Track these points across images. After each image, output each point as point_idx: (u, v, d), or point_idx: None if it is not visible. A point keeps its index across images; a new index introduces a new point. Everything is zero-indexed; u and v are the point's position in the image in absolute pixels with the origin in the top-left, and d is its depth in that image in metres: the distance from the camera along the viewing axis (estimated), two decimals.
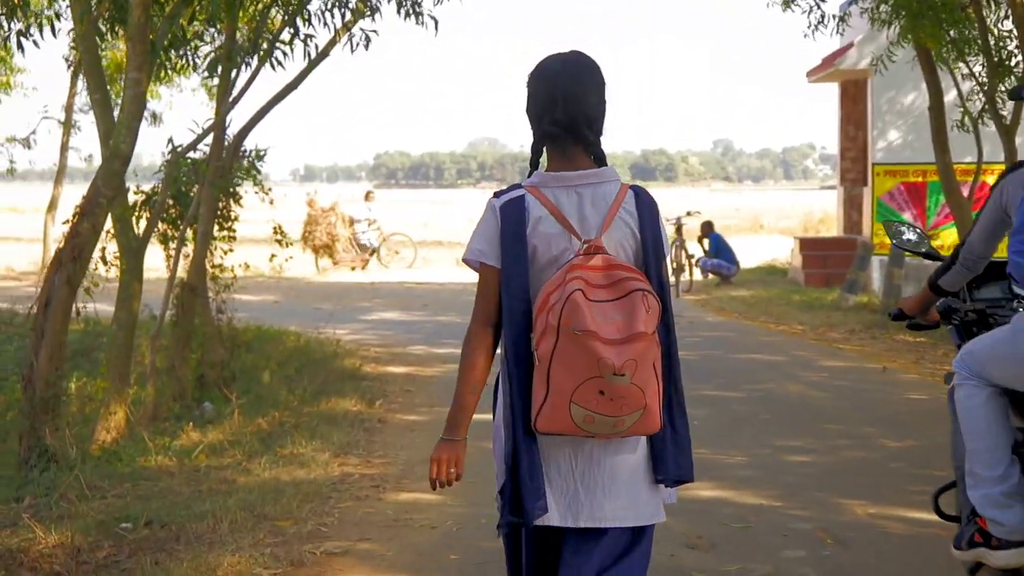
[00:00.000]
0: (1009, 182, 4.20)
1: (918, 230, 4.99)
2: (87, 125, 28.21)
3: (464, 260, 3.41)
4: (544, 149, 3.41)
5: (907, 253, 5.13)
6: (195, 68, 11.37)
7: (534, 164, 3.43)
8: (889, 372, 11.31)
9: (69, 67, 21.66)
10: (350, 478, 7.27)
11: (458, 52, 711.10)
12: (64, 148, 23.51)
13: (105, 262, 9.81)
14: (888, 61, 14.73)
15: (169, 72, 12.05)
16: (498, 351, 3.39)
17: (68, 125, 23.18)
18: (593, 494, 3.26)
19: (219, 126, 10.53)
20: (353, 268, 27.06)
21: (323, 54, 11.56)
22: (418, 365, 12.16)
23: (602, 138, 3.40)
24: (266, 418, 8.96)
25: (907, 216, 19.34)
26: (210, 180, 10.34)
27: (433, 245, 31.68)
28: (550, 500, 3.24)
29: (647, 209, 3.34)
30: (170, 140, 9.71)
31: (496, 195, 3.38)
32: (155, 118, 23.91)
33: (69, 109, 23.73)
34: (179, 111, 29.06)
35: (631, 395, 3.07)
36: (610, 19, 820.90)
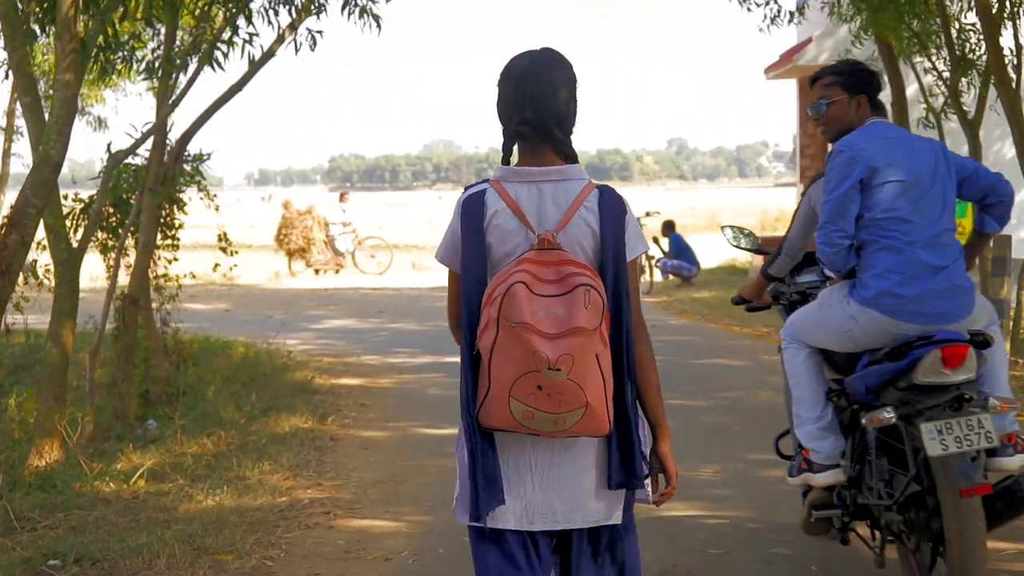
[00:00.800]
0: (814, 188, 5.24)
1: (747, 232, 6.34)
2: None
3: (436, 259, 3.40)
4: (514, 148, 3.37)
5: (746, 249, 6.34)
6: (134, 71, 10.84)
7: (505, 163, 3.36)
8: None
9: (6, 73, 21.06)
10: (299, 504, 6.81)
11: (413, 55, 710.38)
12: (7, 154, 22.79)
13: (36, 275, 9.29)
14: (849, 56, 14.38)
15: (111, 75, 11.49)
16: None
17: (10, 131, 22.46)
18: (548, 496, 3.23)
19: (160, 130, 10.03)
20: (326, 272, 26.57)
21: (268, 54, 11.08)
22: (372, 376, 11.69)
23: (572, 136, 3.34)
24: (211, 438, 8.47)
25: None
26: (150, 187, 9.85)
27: (387, 249, 31.14)
28: (508, 503, 3.22)
29: (610, 208, 3.26)
30: (108, 146, 9.19)
31: (466, 189, 3.37)
32: (100, 123, 23.27)
33: (11, 114, 22.96)
34: (127, 115, 28.44)
35: (569, 391, 3.02)
36: (568, 22, 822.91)
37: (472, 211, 3.26)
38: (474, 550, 3.34)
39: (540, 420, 3.05)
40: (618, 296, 3.21)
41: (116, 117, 24.30)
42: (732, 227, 6.39)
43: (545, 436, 3.15)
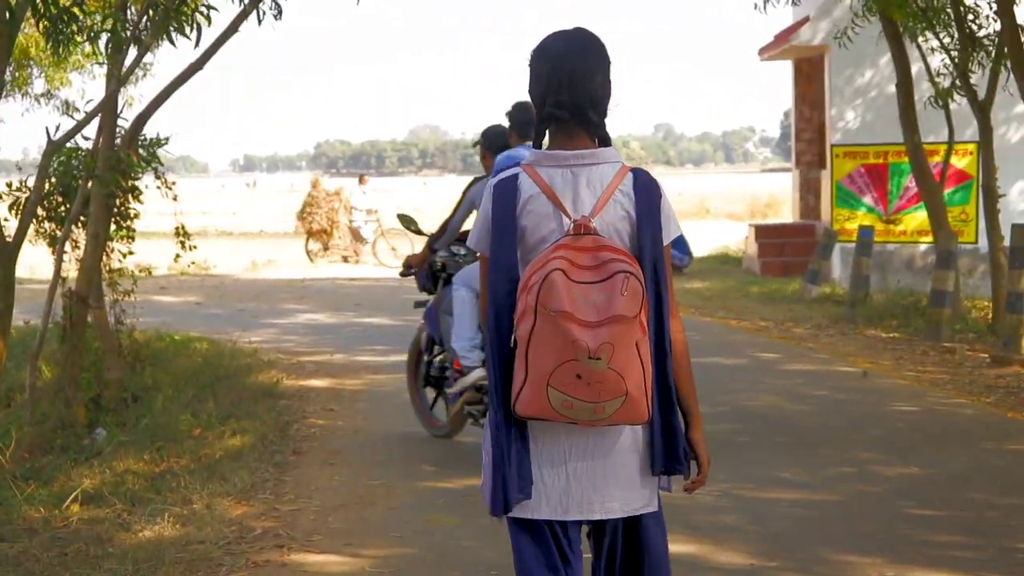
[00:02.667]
0: (477, 188, 7.28)
1: (410, 218, 8.20)
2: None
3: (468, 246, 3.44)
4: (547, 130, 3.27)
5: (414, 231, 8.21)
6: (74, 44, 9.83)
7: (537, 145, 3.29)
8: (870, 376, 10.16)
9: None
10: (249, 535, 5.96)
11: (400, 39, 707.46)
12: None
13: None
14: (846, 36, 13.56)
15: (67, 49, 10.46)
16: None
17: None
18: (583, 485, 3.16)
19: (109, 110, 9.17)
20: (346, 259, 25.39)
21: (232, 28, 10.22)
22: (343, 377, 10.83)
23: (606, 119, 3.26)
24: (161, 452, 7.65)
25: (868, 200, 18.28)
26: (98, 173, 8.99)
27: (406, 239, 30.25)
28: (541, 493, 3.16)
29: (645, 191, 3.20)
30: (47, 129, 8.28)
31: (495, 173, 3.37)
32: (68, 107, 22.27)
33: None
34: (90, 98, 27.44)
35: (609, 380, 2.96)
36: (550, 5, 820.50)
37: (504, 195, 3.19)
38: (513, 542, 3.26)
39: (579, 409, 3.00)
40: (657, 281, 3.15)
41: (84, 101, 22.97)
42: (400, 215, 8.36)
43: (582, 425, 3.08)
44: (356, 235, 25.88)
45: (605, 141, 3.25)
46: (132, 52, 8.91)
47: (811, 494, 6.49)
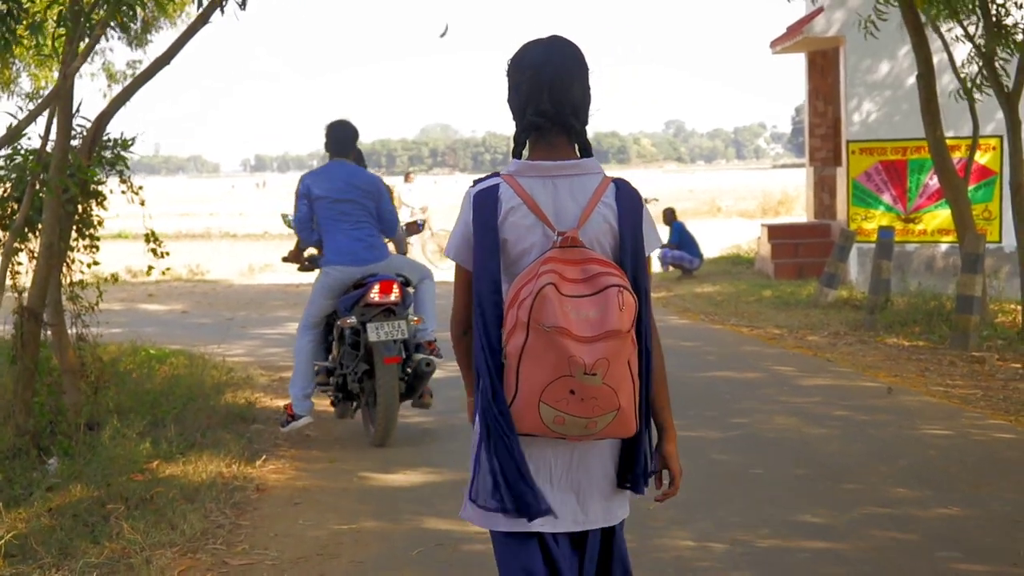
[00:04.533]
0: (306, 179, 8.32)
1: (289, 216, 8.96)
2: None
3: (446, 256, 3.31)
4: (527, 140, 3.26)
5: (288, 225, 8.88)
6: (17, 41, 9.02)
7: (517, 155, 3.24)
8: (895, 393, 9.33)
9: None
10: None
11: (411, 37, 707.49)
12: None
13: None
14: (871, 24, 12.69)
15: (10, 46, 9.68)
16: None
17: None
18: (571, 497, 3.17)
19: (64, 109, 8.40)
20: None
21: (201, 20, 9.45)
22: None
23: (587, 126, 3.26)
24: (112, 486, 6.86)
25: (886, 198, 17.43)
26: (48, 178, 8.21)
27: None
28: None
29: (628, 203, 3.22)
30: None
31: (475, 183, 3.25)
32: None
33: None
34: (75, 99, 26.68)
35: (603, 395, 2.95)
36: (565, 5, 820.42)
37: (484, 206, 3.15)
38: (500, 556, 3.24)
39: (571, 425, 2.98)
40: (638, 293, 3.10)
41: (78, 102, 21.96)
42: (283, 215, 9.23)
43: (571, 440, 3.08)
44: (413, 230, 24.70)
45: (587, 149, 3.23)
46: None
47: (837, 542, 5.64)
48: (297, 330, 8.34)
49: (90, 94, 12.80)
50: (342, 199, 8.04)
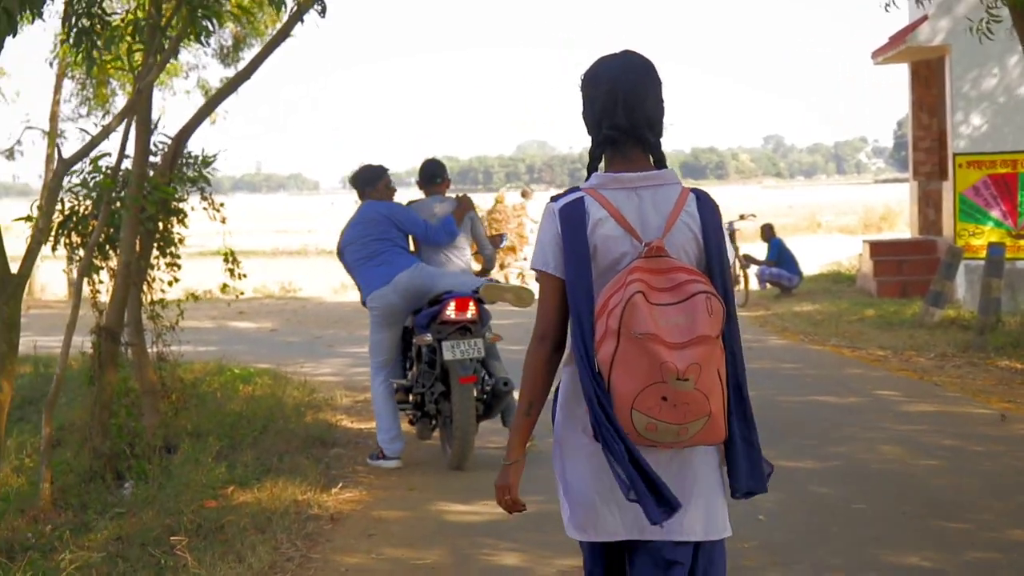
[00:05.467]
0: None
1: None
2: (74, 134, 26.08)
3: (532, 268, 3.35)
4: (603, 154, 3.32)
5: None
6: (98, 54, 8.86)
7: (592, 168, 3.32)
8: (1009, 420, 8.77)
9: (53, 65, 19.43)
10: None
11: (507, 56, 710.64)
12: (50, 160, 21.34)
13: None
14: (984, 28, 12.08)
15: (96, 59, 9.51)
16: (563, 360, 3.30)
17: (53, 135, 21.03)
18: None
19: (141, 123, 8.27)
20: (523, 276, 22.07)
21: (282, 34, 9.29)
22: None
23: (662, 139, 3.31)
24: (183, 512, 6.62)
25: (995, 213, 16.72)
26: (125, 195, 8.07)
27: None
28: (617, 514, 3.17)
29: (709, 213, 3.26)
30: (58, 146, 7.34)
31: (553, 199, 3.29)
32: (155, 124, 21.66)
33: (54, 118, 21.65)
34: (172, 117, 26.83)
35: (695, 401, 2.96)
36: (659, 20, 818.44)
37: (572, 220, 3.19)
38: (589, 564, 3.32)
39: (663, 432, 2.99)
40: (728, 300, 3.14)
41: (167, 119, 21.97)
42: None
43: (662, 448, 3.08)
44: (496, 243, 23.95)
45: (661, 161, 3.28)
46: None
47: None
48: (370, 373, 8.36)
49: (189, 111, 12.86)
50: (367, 239, 8.19)
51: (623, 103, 3.23)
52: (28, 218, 7.61)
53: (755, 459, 3.19)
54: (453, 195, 8.84)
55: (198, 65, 21.50)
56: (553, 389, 3.34)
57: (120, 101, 20.60)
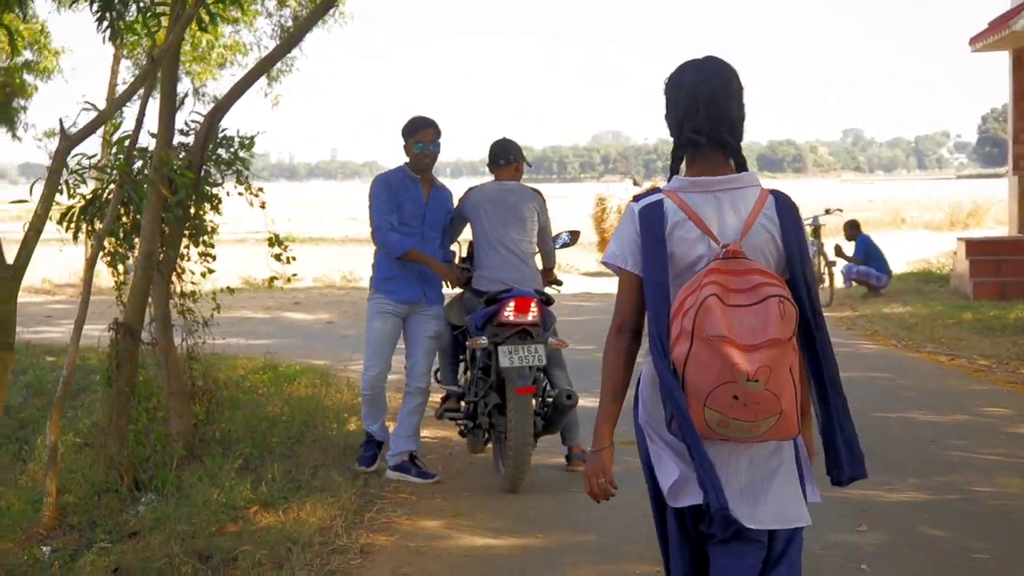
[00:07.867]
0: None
1: None
2: (132, 115, 25.49)
3: (603, 263, 3.43)
4: (684, 156, 3.39)
5: None
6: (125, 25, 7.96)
7: (674, 170, 3.39)
8: None
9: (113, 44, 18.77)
10: None
11: (579, 48, 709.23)
12: (106, 143, 20.71)
13: None
14: None
15: (119, 35, 8.63)
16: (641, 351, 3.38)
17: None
18: (743, 496, 3.23)
19: (164, 101, 7.45)
20: None
21: (324, 7, 8.46)
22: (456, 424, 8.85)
23: (742, 143, 3.37)
24: (196, 538, 5.80)
25: None
26: (145, 177, 7.25)
27: None
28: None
29: (789, 214, 3.30)
30: (60, 121, 6.47)
31: (635, 199, 3.37)
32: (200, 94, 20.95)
33: (112, 97, 21.03)
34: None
35: (765, 401, 3.02)
36: (739, 13, 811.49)
37: (651, 221, 3.27)
38: (669, 537, 3.40)
39: (735, 428, 3.07)
40: (812, 301, 3.25)
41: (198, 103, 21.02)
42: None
43: (734, 442, 3.17)
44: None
45: (742, 164, 3.34)
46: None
47: None
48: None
49: (251, 93, 12.04)
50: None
51: (703, 107, 3.29)
52: (24, 201, 6.72)
53: (854, 447, 3.26)
54: (531, 188, 7.87)
55: (259, 45, 20.74)
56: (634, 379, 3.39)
57: (184, 82, 19.92)
